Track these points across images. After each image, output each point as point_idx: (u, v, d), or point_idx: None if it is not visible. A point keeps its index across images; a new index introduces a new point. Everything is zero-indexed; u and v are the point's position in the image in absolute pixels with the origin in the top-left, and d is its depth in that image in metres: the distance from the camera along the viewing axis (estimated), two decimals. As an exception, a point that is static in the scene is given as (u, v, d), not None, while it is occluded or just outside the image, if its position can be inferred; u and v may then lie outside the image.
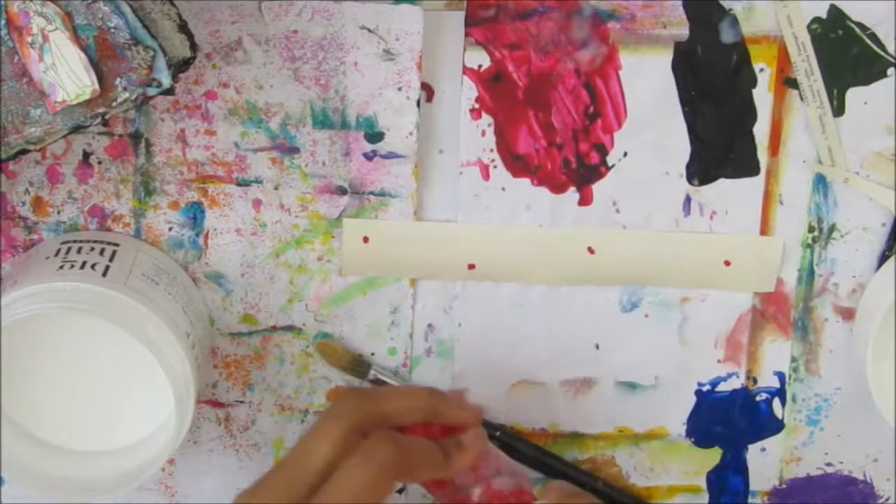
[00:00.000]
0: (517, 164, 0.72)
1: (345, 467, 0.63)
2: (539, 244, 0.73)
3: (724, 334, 0.75)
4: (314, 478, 0.64)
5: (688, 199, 0.73)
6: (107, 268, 0.69)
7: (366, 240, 0.72)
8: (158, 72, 0.63)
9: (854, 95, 0.71)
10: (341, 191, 0.72)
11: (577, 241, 0.73)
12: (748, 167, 0.72)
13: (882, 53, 0.70)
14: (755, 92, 0.71)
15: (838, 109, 0.71)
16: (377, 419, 0.66)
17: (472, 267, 0.73)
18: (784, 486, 0.79)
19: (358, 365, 0.75)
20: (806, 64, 0.70)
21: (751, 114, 0.71)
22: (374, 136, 0.71)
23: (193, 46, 0.64)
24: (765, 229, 0.73)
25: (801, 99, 0.71)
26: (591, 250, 0.73)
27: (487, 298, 0.74)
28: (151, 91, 0.63)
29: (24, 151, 0.64)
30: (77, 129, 0.64)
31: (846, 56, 0.70)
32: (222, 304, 0.74)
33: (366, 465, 0.63)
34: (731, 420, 0.77)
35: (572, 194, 0.72)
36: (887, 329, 0.71)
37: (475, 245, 0.73)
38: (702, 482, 0.79)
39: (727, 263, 0.73)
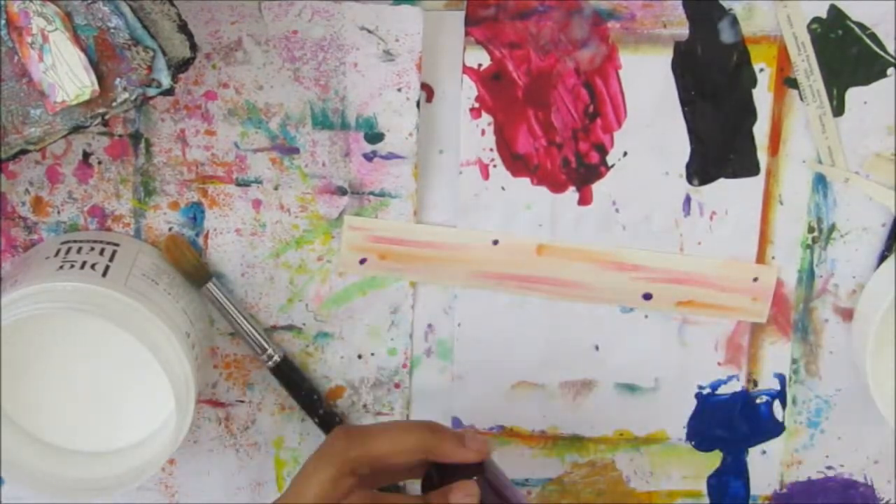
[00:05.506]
0: (517, 164, 0.72)
1: None
2: (537, 261, 0.73)
3: (724, 336, 0.75)
4: None
5: (688, 199, 0.72)
6: (107, 268, 0.69)
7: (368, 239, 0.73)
8: (158, 72, 0.63)
9: (854, 95, 0.71)
10: (341, 191, 0.72)
11: (577, 258, 0.73)
12: (748, 167, 0.72)
13: (882, 53, 0.70)
14: (755, 92, 0.71)
15: (838, 109, 0.71)
16: (367, 461, 0.64)
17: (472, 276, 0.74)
18: (785, 489, 0.78)
19: (198, 271, 0.72)
20: (806, 64, 0.70)
21: (751, 114, 0.71)
22: (374, 137, 0.71)
23: (193, 46, 0.64)
24: (765, 229, 0.73)
25: (801, 99, 0.71)
26: (589, 260, 0.73)
27: (487, 299, 0.74)
28: (151, 91, 0.63)
29: (24, 151, 0.64)
30: (77, 129, 0.64)
31: (846, 56, 0.70)
32: (222, 305, 0.74)
33: None
34: (731, 423, 0.77)
35: (572, 194, 0.72)
36: (887, 329, 0.71)
37: (475, 251, 0.73)
38: (702, 487, 0.79)
39: (722, 289, 0.74)
